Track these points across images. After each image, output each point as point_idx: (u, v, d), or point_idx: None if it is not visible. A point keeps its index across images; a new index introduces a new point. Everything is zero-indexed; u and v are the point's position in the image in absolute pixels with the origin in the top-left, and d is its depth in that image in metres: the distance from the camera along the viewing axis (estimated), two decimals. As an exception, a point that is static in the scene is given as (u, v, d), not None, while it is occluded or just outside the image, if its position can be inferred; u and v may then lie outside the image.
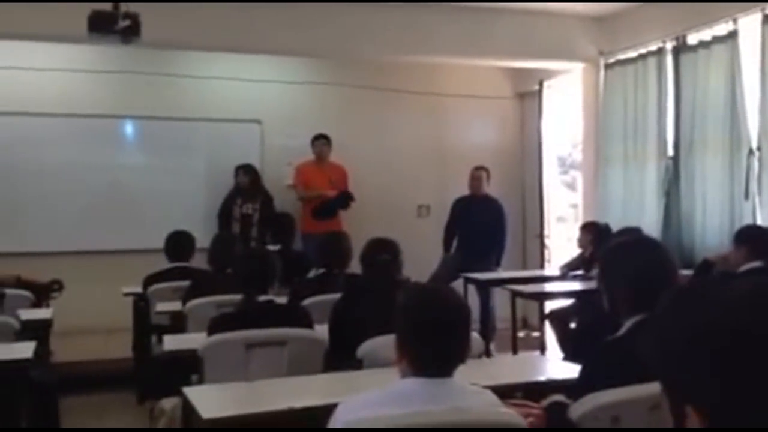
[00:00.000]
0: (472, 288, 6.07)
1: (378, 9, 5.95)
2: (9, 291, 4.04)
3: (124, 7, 4.45)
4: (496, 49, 6.45)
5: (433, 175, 7.52)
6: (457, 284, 5.97)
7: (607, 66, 6.45)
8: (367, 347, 2.84)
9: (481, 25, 6.22)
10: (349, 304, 3.24)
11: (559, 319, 5.35)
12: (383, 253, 3.31)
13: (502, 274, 6.24)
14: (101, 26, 4.33)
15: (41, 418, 3.75)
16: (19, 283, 4.66)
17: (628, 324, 2.06)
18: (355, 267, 4.11)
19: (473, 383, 1.97)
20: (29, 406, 3.57)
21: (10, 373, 3.04)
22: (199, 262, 4.92)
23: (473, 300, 6.14)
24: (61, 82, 6.46)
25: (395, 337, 1.91)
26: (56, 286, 5.02)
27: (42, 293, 4.81)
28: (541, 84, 7.24)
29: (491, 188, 6.71)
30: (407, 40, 6.16)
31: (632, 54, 6.15)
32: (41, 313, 4.24)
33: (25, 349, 3.17)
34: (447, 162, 7.49)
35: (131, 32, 4.36)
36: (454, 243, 6.59)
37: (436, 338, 1.84)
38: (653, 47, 5.92)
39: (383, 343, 2.79)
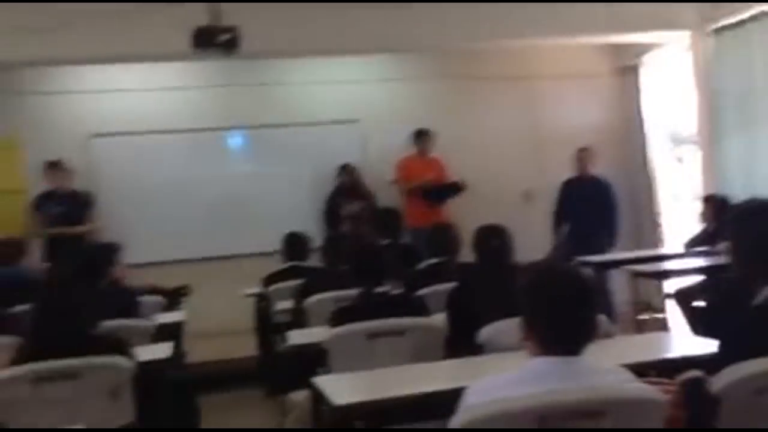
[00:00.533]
0: (586, 272, 5.93)
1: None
2: (144, 298, 4.31)
3: (224, 20, 4.63)
4: (589, 25, 6.27)
5: (535, 159, 7.40)
6: (570, 268, 5.86)
7: (716, 32, 6.14)
8: (487, 333, 2.85)
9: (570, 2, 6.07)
10: (465, 291, 3.26)
11: (686, 297, 5.13)
12: (494, 239, 3.31)
13: (617, 255, 6.06)
14: (204, 41, 4.54)
15: (181, 415, 3.97)
16: (151, 289, 4.95)
17: (765, 292, 1.98)
18: (464, 256, 4.13)
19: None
20: (169, 404, 3.79)
21: (151, 373, 3.22)
22: (313, 262, 5.08)
23: (589, 284, 5.99)
24: (170, 99, 6.81)
25: (521, 318, 1.91)
26: (183, 291, 5.31)
27: (172, 298, 5.09)
28: (640, 57, 6.98)
29: (597, 169, 6.54)
30: (497, 26, 6.09)
31: (741, 17, 5.83)
32: (174, 316, 4.48)
33: (164, 350, 3.37)
34: (548, 145, 7.35)
35: (232, 44, 4.55)
36: (566, 227, 6.46)
37: (564, 316, 1.82)
38: (764, 7, 5.59)
39: (503, 328, 2.80)
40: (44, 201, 6.13)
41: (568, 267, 1.98)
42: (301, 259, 4.98)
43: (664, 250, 6.44)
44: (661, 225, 7.00)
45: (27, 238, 5.52)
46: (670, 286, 5.41)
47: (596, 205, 6.27)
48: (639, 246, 7.19)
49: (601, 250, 6.09)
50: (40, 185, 6.25)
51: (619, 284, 6.02)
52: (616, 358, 2.34)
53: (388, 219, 5.70)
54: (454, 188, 6.70)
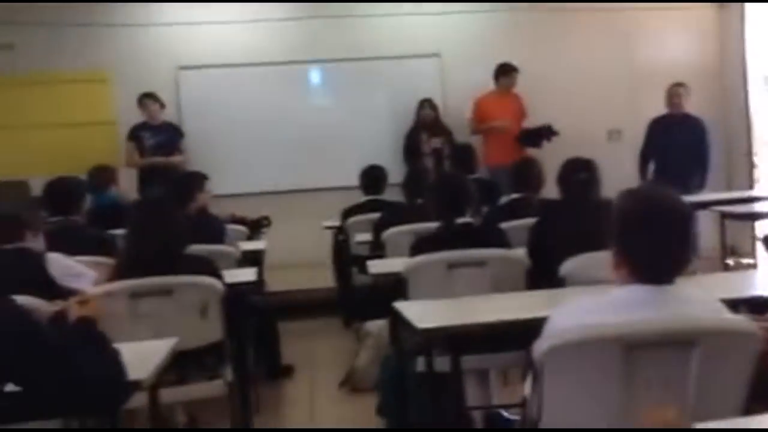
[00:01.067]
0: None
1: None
2: (228, 226, 4.45)
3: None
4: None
5: (624, 97, 7.12)
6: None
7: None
8: (569, 265, 2.81)
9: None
10: (548, 224, 3.21)
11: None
12: (581, 172, 3.23)
13: (706, 196, 5.82)
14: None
15: (264, 337, 4.13)
16: (234, 219, 5.10)
17: None
18: (546, 194, 4.06)
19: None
20: (253, 327, 3.95)
21: (237, 295, 3.34)
22: (389, 197, 5.09)
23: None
24: (252, 33, 6.85)
25: (612, 244, 1.86)
26: (265, 221, 5.45)
27: (253, 228, 5.23)
28: (744, -12, 6.55)
29: (691, 106, 6.24)
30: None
31: None
32: (257, 245, 4.62)
33: (248, 274, 3.49)
34: (639, 82, 7.05)
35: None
36: (651, 167, 6.25)
37: (660, 242, 1.76)
38: None
39: (587, 262, 2.75)
40: (139, 132, 6.34)
41: (666, 194, 1.88)
42: (378, 193, 5.01)
43: (756, 192, 6.14)
44: (756, 166, 6.66)
45: (122, 167, 5.77)
46: (762, 229, 5.18)
47: (687, 144, 6.01)
48: (731, 188, 6.90)
49: (690, 191, 5.86)
50: (129, 116, 6.46)
51: (707, 227, 5.81)
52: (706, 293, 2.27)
53: (464, 155, 5.64)
54: (547, 132, 6.52)
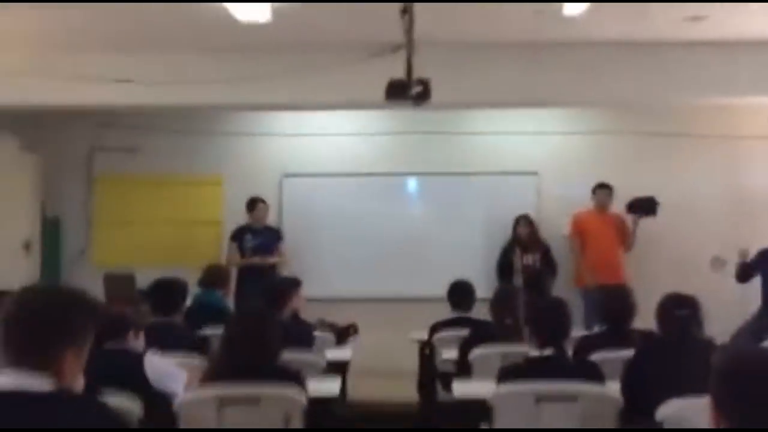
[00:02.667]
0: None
1: (663, 51, 5.70)
2: (317, 333, 4.51)
3: (415, 74, 4.82)
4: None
5: (730, 225, 6.88)
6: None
7: None
8: (668, 408, 2.67)
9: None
10: (645, 361, 3.08)
11: None
12: (681, 309, 3.12)
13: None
14: (397, 93, 4.75)
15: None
16: (322, 324, 5.16)
17: None
18: (639, 323, 3.92)
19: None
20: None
21: (319, 406, 3.34)
22: (478, 311, 5.04)
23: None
24: (354, 144, 7.17)
25: (711, 397, 1.77)
26: (353, 329, 5.47)
27: (341, 335, 5.27)
28: None
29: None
30: (693, 82, 5.81)
31: None
32: (342, 354, 4.64)
33: (332, 386, 3.50)
34: (746, 211, 6.83)
35: (423, 97, 4.71)
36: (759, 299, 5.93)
37: (759, 408, 1.68)
38: None
39: (685, 406, 2.61)
40: (242, 233, 6.64)
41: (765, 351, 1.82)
42: (465, 309, 4.97)
43: None
44: None
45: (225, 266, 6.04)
46: None
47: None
48: None
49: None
50: (234, 218, 6.78)
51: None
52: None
53: (536, 281, 5.55)
54: (651, 203, 6.45)
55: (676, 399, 2.63)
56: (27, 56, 5.73)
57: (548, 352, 3.12)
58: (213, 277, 5.17)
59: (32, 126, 6.69)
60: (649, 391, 2.85)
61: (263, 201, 6.70)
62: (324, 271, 6.84)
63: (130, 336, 3.05)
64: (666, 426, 2.65)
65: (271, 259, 6.55)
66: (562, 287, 6.57)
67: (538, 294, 5.20)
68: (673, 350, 2.99)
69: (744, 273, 5.98)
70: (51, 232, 6.97)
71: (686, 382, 2.51)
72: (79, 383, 1.77)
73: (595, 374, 3.11)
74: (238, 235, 6.64)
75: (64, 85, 5.67)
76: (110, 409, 1.69)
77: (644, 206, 6.54)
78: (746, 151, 7.00)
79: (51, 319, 1.66)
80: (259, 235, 6.62)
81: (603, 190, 6.65)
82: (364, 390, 5.53)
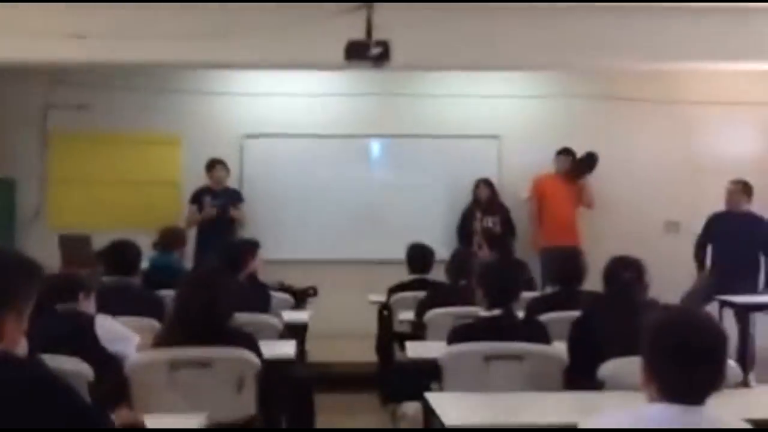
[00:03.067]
0: (729, 312, 5.58)
1: (618, 13, 5.72)
2: (274, 294, 4.53)
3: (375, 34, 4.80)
4: (757, 50, 5.88)
5: (684, 189, 7.03)
6: (712, 307, 5.54)
7: None
8: (609, 368, 2.76)
9: (734, 25, 5.72)
10: (590, 322, 3.17)
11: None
12: (626, 271, 3.20)
13: (765, 297, 5.64)
14: (356, 54, 4.73)
15: (298, 411, 4.13)
16: (281, 287, 5.19)
17: None
18: (592, 284, 4.01)
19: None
20: (288, 399, 3.96)
21: (275, 369, 3.38)
22: (437, 273, 5.11)
23: (730, 325, 5.64)
24: (316, 106, 7.10)
25: (641, 359, 1.84)
26: (312, 291, 5.52)
27: (299, 297, 5.30)
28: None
29: (756, 205, 6.11)
30: (651, 47, 5.85)
31: None
32: (300, 316, 4.67)
33: (288, 348, 3.53)
34: (700, 176, 6.96)
35: (383, 58, 4.70)
36: (708, 262, 6.10)
37: (687, 364, 1.74)
38: None
39: (627, 366, 2.70)
40: (201, 196, 6.58)
41: (700, 313, 1.88)
42: (423, 272, 5.03)
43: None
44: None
45: (183, 228, 5.99)
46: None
47: (746, 244, 5.85)
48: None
49: (750, 292, 5.69)
50: (193, 179, 6.71)
51: (763, 329, 5.61)
52: (746, 411, 2.21)
53: (501, 243, 5.64)
54: (590, 160, 6.57)
55: (618, 359, 2.72)
56: (-26, 12, 5.53)
57: (497, 312, 3.18)
58: (168, 238, 5.15)
59: (-17, 83, 6.50)
60: (594, 351, 2.94)
61: (222, 162, 6.64)
62: (284, 234, 6.84)
63: (80, 298, 3.03)
64: (607, 385, 2.74)
65: (233, 213, 6.51)
66: (522, 250, 6.69)
67: (501, 255, 5.31)
68: (617, 311, 3.07)
69: (700, 248, 6.13)
70: (4, 192, 6.82)
71: (629, 342, 2.57)
72: (21, 346, 1.76)
73: (541, 334, 3.19)
74: (197, 197, 6.58)
75: (15, 41, 5.50)
76: (51, 371, 1.70)
77: (586, 163, 6.63)
78: (700, 115, 7.10)
79: None
80: (218, 197, 6.57)
81: (564, 156, 6.72)
82: (323, 352, 5.60)
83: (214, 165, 6.60)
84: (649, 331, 1.85)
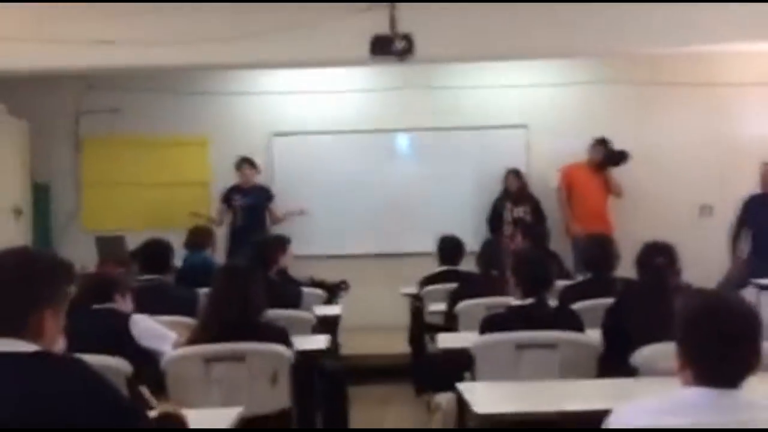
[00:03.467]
0: (767, 296, 5.48)
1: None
2: (305, 289, 4.57)
3: (399, 28, 4.80)
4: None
5: (715, 172, 6.93)
6: (750, 292, 5.44)
7: None
8: (643, 355, 2.74)
9: (766, 5, 5.60)
10: (624, 309, 3.15)
11: None
12: (659, 257, 3.16)
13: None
14: (381, 48, 4.74)
15: (333, 403, 4.17)
16: (312, 282, 5.23)
17: None
18: (625, 270, 3.97)
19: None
20: (322, 392, 4.00)
21: (308, 362, 3.42)
22: (467, 264, 5.11)
23: (768, 309, 5.56)
24: (343, 101, 7.14)
25: (676, 345, 1.83)
26: (343, 285, 5.55)
27: (332, 292, 5.34)
28: None
29: (784, 186, 6.00)
30: (679, 30, 5.76)
31: None
32: (332, 310, 4.71)
33: (320, 341, 3.57)
34: (731, 158, 6.85)
35: (407, 51, 4.71)
36: (746, 246, 6.00)
37: (721, 347, 1.73)
38: None
39: (661, 352, 2.67)
40: (231, 194, 6.66)
41: (734, 297, 1.86)
42: (453, 263, 5.03)
43: None
44: None
45: (214, 226, 6.08)
46: None
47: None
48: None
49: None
50: (223, 178, 6.79)
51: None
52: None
53: (535, 233, 5.60)
54: (620, 156, 6.53)
55: (651, 345, 2.69)
56: (8, 22, 5.66)
57: (530, 301, 3.17)
58: (197, 237, 5.23)
59: (17, 91, 6.63)
60: (628, 338, 2.92)
61: (250, 161, 6.70)
62: (314, 229, 6.88)
63: (117, 297, 3.09)
64: (641, 371, 2.72)
65: (273, 210, 6.64)
66: (554, 239, 6.64)
67: (535, 245, 5.26)
68: (650, 297, 3.04)
69: (736, 232, 6.04)
70: (40, 197, 6.98)
71: (663, 328, 2.55)
72: (59, 344, 1.81)
73: (575, 322, 3.17)
74: (227, 196, 6.67)
75: (46, 49, 5.61)
76: (91, 368, 1.74)
77: (613, 158, 6.59)
78: (730, 98, 6.97)
79: (25, 282, 1.69)
80: (248, 195, 6.65)
81: (600, 146, 6.66)
82: (357, 345, 5.63)
83: (242, 164, 6.67)
84: (682, 316, 1.83)
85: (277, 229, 6.51)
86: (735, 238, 6.06)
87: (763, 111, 6.99)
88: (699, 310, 1.82)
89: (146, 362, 2.88)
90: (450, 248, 5.12)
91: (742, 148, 6.76)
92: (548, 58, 6.79)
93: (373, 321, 6.18)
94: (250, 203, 6.62)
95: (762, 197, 5.99)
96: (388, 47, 4.80)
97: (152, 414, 1.99)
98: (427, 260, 5.41)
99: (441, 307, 4.48)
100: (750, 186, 6.10)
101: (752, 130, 6.95)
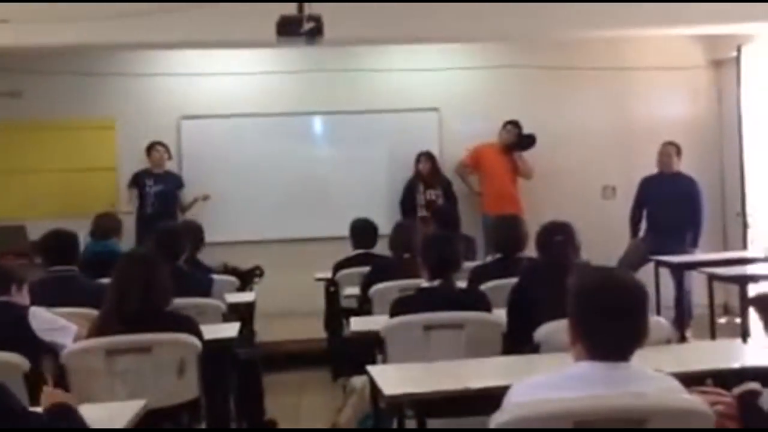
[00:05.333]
0: (665, 272, 5.78)
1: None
2: (216, 276, 4.49)
3: (307, 9, 4.73)
4: (688, 16, 6.01)
5: (619, 154, 7.21)
6: (648, 268, 5.72)
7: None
8: (543, 331, 2.84)
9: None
10: (526, 287, 3.25)
11: (765, 303, 4.91)
12: (557, 235, 3.28)
13: (698, 256, 5.85)
14: (288, 30, 4.65)
15: (247, 391, 4.14)
16: (226, 269, 5.15)
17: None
18: (532, 252, 4.10)
19: (658, 369, 1.92)
20: (236, 381, 3.96)
21: (219, 351, 3.37)
22: (382, 247, 5.14)
23: (667, 284, 5.84)
24: (254, 84, 7.01)
25: (568, 319, 1.90)
26: (258, 272, 5.50)
27: (245, 279, 5.28)
28: (739, 50, 6.66)
29: (684, 165, 6.31)
30: (585, 16, 5.92)
31: None
32: (245, 297, 4.65)
33: (231, 329, 3.52)
34: (634, 140, 7.14)
35: (315, 33, 4.64)
36: (644, 225, 6.30)
37: (610, 321, 1.81)
38: None
39: (560, 327, 2.75)
40: (142, 178, 6.46)
41: (620, 272, 1.96)
42: (367, 247, 5.05)
43: (748, 253, 6.16)
44: (750, 227, 6.68)
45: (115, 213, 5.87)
46: (754, 290, 5.19)
47: (677, 203, 6.05)
48: (725, 247, 6.92)
49: (683, 250, 5.89)
50: (130, 163, 6.57)
51: (699, 286, 5.83)
52: (676, 365, 2.31)
53: (446, 216, 5.71)
54: (528, 140, 6.71)
55: (552, 322, 2.79)
56: None
57: (437, 283, 3.23)
58: (105, 226, 5.05)
59: None
60: (530, 316, 3.01)
61: (161, 144, 6.52)
62: (226, 215, 6.75)
63: (12, 290, 2.96)
64: (543, 348, 2.82)
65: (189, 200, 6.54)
66: (466, 221, 6.76)
67: (447, 229, 5.34)
68: (550, 275, 3.13)
69: (635, 211, 6.31)
70: (-68, 184, 6.57)
71: (562, 304, 2.66)
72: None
73: (482, 302, 3.26)
74: (137, 181, 6.46)
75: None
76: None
77: (521, 143, 6.78)
78: (635, 82, 7.26)
79: None
80: (160, 181, 6.47)
81: (511, 127, 6.79)
82: (272, 332, 5.59)
83: (153, 147, 6.48)
84: (572, 292, 1.91)
85: (188, 216, 6.37)
86: (633, 217, 6.34)
87: (666, 94, 7.31)
88: (588, 285, 1.90)
89: (45, 355, 2.77)
90: (362, 231, 5.14)
91: (646, 131, 7.05)
92: (458, 42, 6.87)
93: (289, 307, 6.15)
94: (163, 190, 6.44)
95: (658, 176, 6.29)
96: (295, 28, 4.71)
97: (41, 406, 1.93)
98: (341, 244, 5.42)
99: (356, 291, 4.50)
100: (651, 167, 6.38)
101: (656, 112, 7.26)
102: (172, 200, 6.49)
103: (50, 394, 2.01)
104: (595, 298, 1.86)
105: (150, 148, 6.48)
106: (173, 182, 6.56)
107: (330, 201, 6.95)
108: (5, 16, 5.32)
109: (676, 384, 1.88)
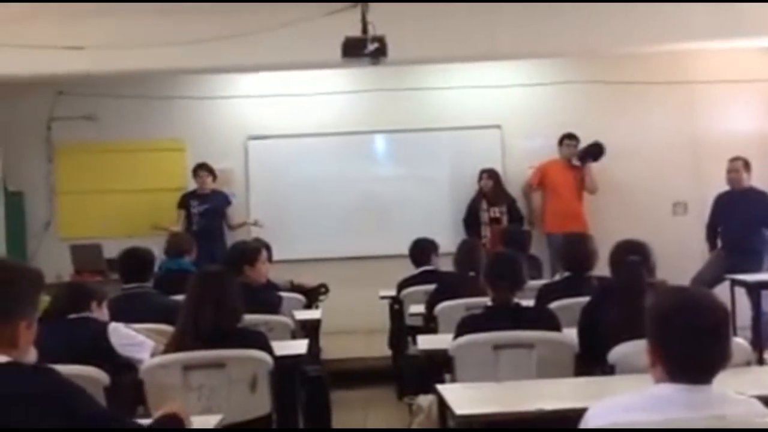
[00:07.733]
0: (741, 291, 5.57)
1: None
2: (284, 294, 4.56)
3: (371, 30, 4.81)
4: (758, 28, 5.85)
5: (689, 170, 7.02)
6: (724, 287, 5.53)
7: None
8: (619, 352, 2.77)
9: (736, 5, 5.69)
10: (599, 307, 3.18)
11: None
12: (632, 255, 3.20)
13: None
14: (353, 51, 4.74)
15: (315, 408, 4.17)
16: (292, 287, 5.22)
17: None
18: (601, 269, 4.02)
19: (740, 392, 1.86)
20: (304, 397, 4.00)
21: (288, 367, 3.41)
22: (446, 265, 5.13)
23: (743, 304, 5.64)
24: (318, 104, 7.13)
25: (647, 341, 1.86)
26: (323, 289, 5.54)
27: (311, 296, 5.33)
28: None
29: (757, 180, 6.10)
30: (650, 29, 5.84)
31: None
32: (312, 314, 4.70)
33: (300, 346, 3.56)
34: (704, 155, 6.95)
35: (379, 53, 4.71)
36: (719, 242, 6.10)
37: (691, 343, 1.76)
38: None
39: (636, 349, 2.70)
40: (188, 200, 6.68)
41: (702, 293, 1.90)
42: (426, 264, 5.05)
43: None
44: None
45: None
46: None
47: (752, 220, 5.85)
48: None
49: (760, 269, 5.68)
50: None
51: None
52: (756, 388, 2.22)
53: (518, 237, 5.64)
54: (597, 149, 6.60)
55: (627, 343, 2.72)
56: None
57: (504, 301, 3.20)
58: (178, 244, 5.19)
59: (-13, 99, 6.55)
60: (603, 336, 2.95)
61: (206, 166, 6.68)
62: (292, 233, 6.87)
63: (93, 306, 3.07)
64: (618, 369, 2.75)
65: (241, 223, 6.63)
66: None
67: (514, 249, 5.29)
68: (624, 295, 3.07)
69: (711, 229, 6.13)
70: (14, 206, 6.88)
71: (637, 325, 2.60)
72: (31, 354, 1.80)
73: (551, 321, 3.21)
74: (183, 202, 6.68)
75: (15, 56, 5.55)
76: (65, 378, 1.73)
77: (591, 152, 6.65)
78: (702, 96, 7.08)
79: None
80: (205, 201, 6.65)
81: (568, 141, 6.72)
82: (338, 349, 5.63)
83: (195, 171, 6.67)
84: (652, 313, 1.86)
85: (255, 234, 6.48)
86: (708, 237, 6.16)
87: (734, 108, 7.11)
88: (669, 306, 1.85)
89: (124, 371, 2.86)
90: (418, 251, 5.15)
91: (715, 145, 6.85)
92: (520, 59, 6.84)
93: (354, 324, 6.18)
94: (208, 209, 6.62)
95: (729, 194, 6.10)
96: (360, 49, 4.80)
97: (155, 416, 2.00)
98: (405, 262, 5.42)
99: (420, 308, 4.50)
100: (723, 182, 6.19)
101: (725, 126, 7.07)
102: (219, 218, 6.66)
103: (171, 405, 2.08)
104: (677, 319, 1.81)
105: (194, 171, 6.67)
106: (219, 201, 6.74)
107: (393, 219, 6.98)
108: (81, 43, 5.57)
109: (760, 407, 1.81)
